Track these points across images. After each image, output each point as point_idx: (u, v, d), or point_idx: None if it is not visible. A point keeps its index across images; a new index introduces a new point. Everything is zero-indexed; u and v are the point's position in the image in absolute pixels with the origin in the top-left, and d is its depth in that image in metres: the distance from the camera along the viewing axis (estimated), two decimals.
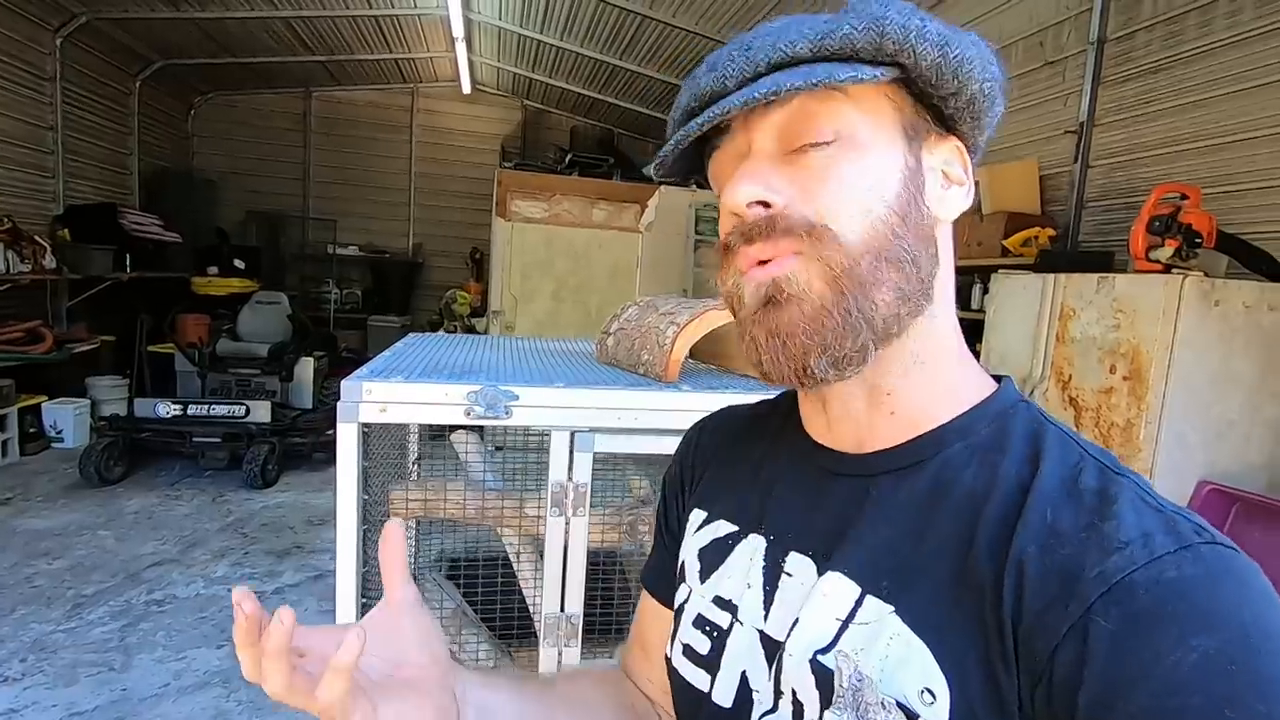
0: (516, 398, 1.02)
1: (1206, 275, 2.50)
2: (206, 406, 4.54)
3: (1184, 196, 2.61)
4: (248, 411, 4.57)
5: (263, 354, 5.16)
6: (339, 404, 0.99)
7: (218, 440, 4.51)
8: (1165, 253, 2.54)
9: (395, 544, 0.47)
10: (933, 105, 0.47)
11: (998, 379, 0.51)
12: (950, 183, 0.49)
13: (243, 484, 4.54)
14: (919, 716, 0.40)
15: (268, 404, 4.65)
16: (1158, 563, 0.36)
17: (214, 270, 6.54)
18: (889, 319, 0.45)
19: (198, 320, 5.81)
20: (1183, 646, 0.34)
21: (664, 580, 0.64)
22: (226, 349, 5.20)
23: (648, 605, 0.67)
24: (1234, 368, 2.52)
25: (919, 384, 0.48)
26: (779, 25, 0.46)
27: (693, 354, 1.30)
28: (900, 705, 0.40)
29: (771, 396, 0.64)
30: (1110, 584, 0.36)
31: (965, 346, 0.51)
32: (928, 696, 0.40)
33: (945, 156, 0.49)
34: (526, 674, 0.61)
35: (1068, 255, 3.44)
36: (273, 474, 4.62)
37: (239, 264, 6.66)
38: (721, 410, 0.67)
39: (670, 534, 0.65)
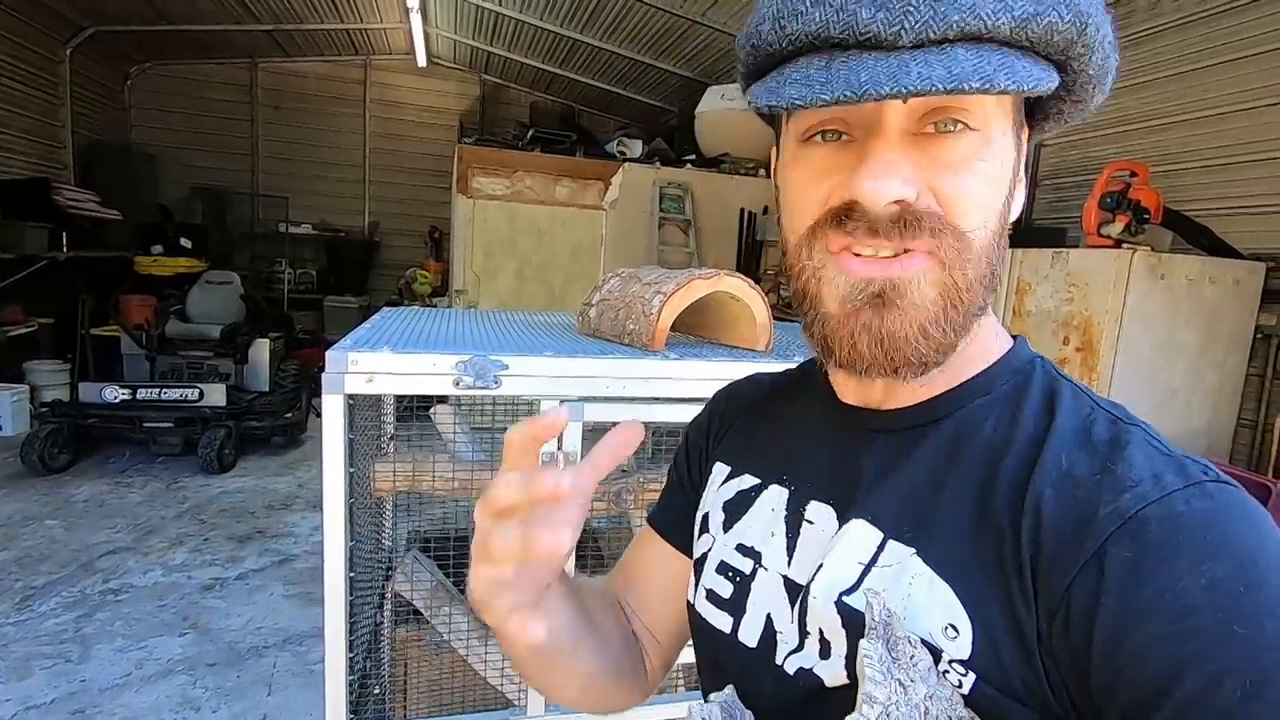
0: (506, 367, 1.02)
1: (1153, 250, 2.62)
2: (157, 390, 4.37)
3: (1133, 174, 2.72)
4: (201, 395, 4.42)
5: (215, 335, 4.98)
6: (323, 375, 0.97)
7: (170, 425, 4.36)
8: (1116, 228, 2.64)
9: (630, 439, 0.43)
10: (1029, 100, 0.44)
11: (1013, 336, 0.52)
12: (1020, 180, 0.47)
13: (198, 469, 4.40)
14: (943, 651, 0.42)
15: (222, 387, 4.50)
16: (1168, 498, 0.38)
17: (159, 249, 6.26)
18: (968, 329, 0.46)
19: (143, 301, 5.56)
20: (1194, 573, 0.36)
21: (673, 523, 0.66)
22: (176, 331, 5.00)
23: (646, 541, 0.68)
24: (1177, 338, 2.65)
25: (952, 362, 0.48)
26: None
27: (673, 326, 1.30)
28: (925, 642, 0.42)
29: (780, 369, 0.66)
30: (1124, 519, 0.38)
31: (996, 318, 0.51)
32: (951, 632, 0.42)
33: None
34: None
35: (1023, 231, 3.55)
36: (230, 458, 4.49)
37: (185, 243, 6.38)
38: (748, 376, 0.68)
39: (690, 482, 0.66)
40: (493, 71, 8.06)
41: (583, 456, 1.11)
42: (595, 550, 1.82)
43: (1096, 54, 0.41)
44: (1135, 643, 0.36)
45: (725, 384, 0.70)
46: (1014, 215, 0.47)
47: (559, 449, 1.08)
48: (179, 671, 2.48)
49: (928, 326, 0.43)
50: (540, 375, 1.05)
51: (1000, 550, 0.42)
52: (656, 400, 1.12)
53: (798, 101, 0.39)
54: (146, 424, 4.32)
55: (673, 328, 1.27)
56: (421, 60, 7.59)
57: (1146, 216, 2.67)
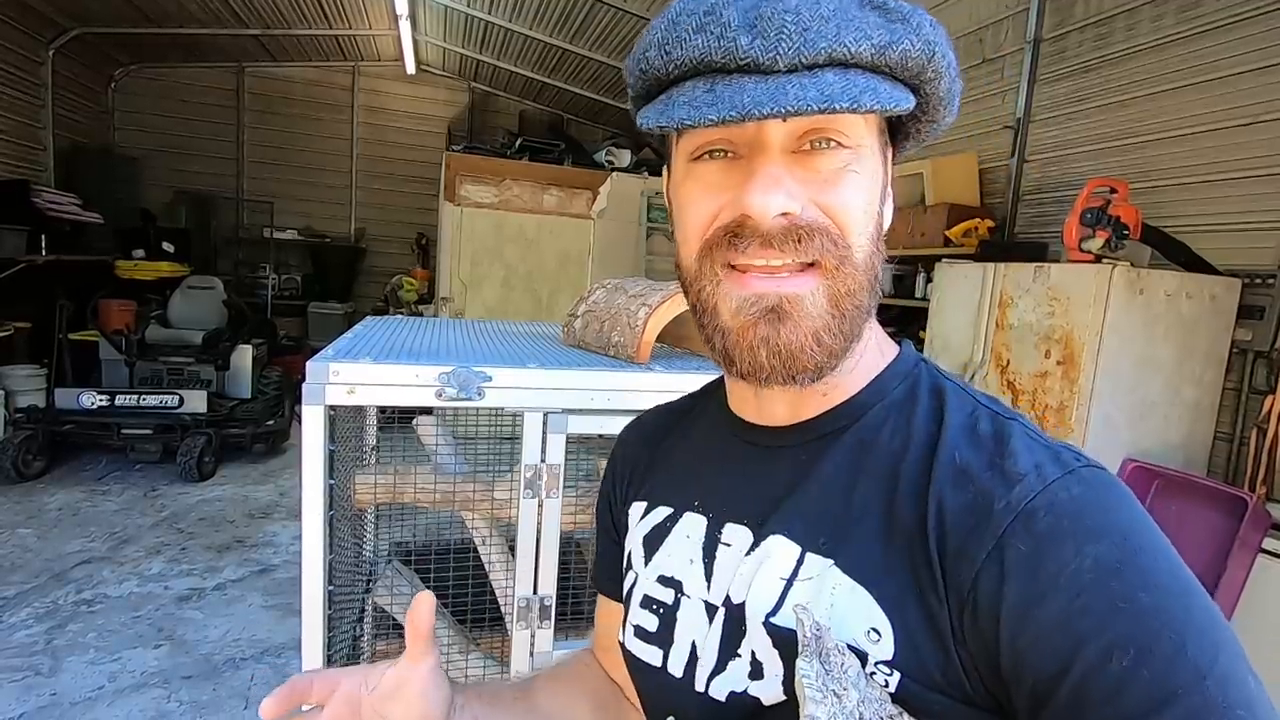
0: (490, 379, 1.01)
1: (1132, 265, 2.66)
2: (136, 397, 4.31)
3: (1113, 190, 2.76)
4: (181, 401, 4.36)
5: (196, 341, 4.92)
6: (304, 386, 0.96)
7: (149, 432, 4.29)
8: (1096, 243, 2.68)
9: (426, 611, 0.49)
10: (891, 121, 0.50)
11: (898, 341, 0.56)
12: (888, 195, 0.51)
13: (177, 477, 4.34)
14: (868, 655, 0.44)
15: (203, 393, 4.45)
16: (1050, 488, 0.42)
17: (140, 253, 6.17)
18: (857, 334, 0.48)
19: (123, 306, 5.47)
20: (1079, 555, 0.39)
21: (609, 578, 0.66)
22: (157, 336, 4.94)
23: (602, 605, 0.70)
24: (1155, 353, 2.69)
25: (849, 371, 0.52)
26: (827, 6, 0.42)
27: (658, 337, 1.30)
28: (850, 647, 0.44)
29: (691, 391, 0.68)
30: (1016, 512, 0.42)
31: (878, 325, 0.54)
32: (874, 635, 0.44)
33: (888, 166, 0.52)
34: (507, 684, 0.64)
35: (1006, 245, 3.59)
36: (209, 466, 4.43)
37: (168, 247, 6.31)
38: (640, 416, 0.70)
39: (615, 532, 0.67)
40: (482, 79, 8.07)
41: (565, 469, 1.11)
42: (580, 561, 1.80)
43: (944, 78, 0.46)
44: (1036, 625, 0.39)
45: (627, 424, 0.71)
46: (885, 225, 0.51)
47: (542, 460, 1.08)
48: (153, 684, 2.43)
49: (821, 334, 0.46)
50: (524, 387, 1.04)
51: (910, 550, 0.44)
52: (642, 412, 1.11)
53: (686, 122, 0.41)
54: (124, 431, 4.26)
55: (658, 340, 1.27)
56: (410, 67, 7.58)
57: (1126, 232, 2.71)
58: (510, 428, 1.16)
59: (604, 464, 1.46)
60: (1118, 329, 2.59)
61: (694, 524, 0.55)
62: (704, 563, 0.53)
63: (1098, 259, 2.67)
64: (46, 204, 5.55)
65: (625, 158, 6.28)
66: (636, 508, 0.62)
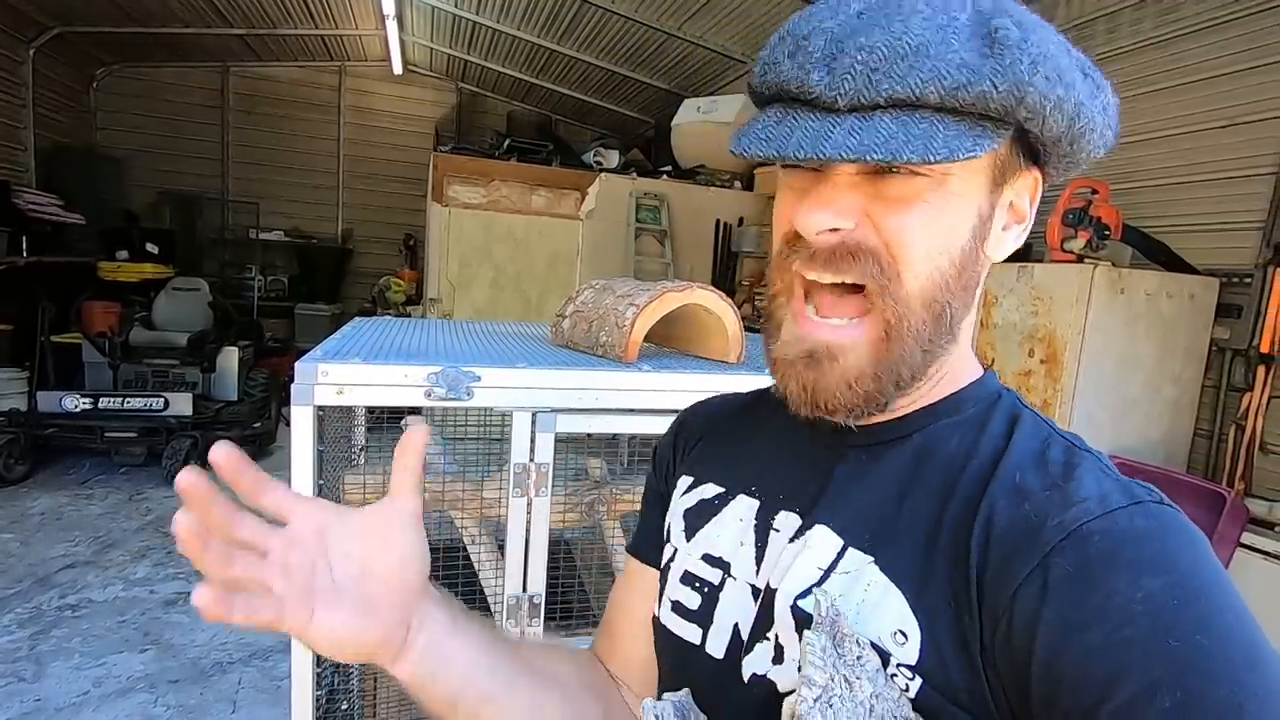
0: (478, 379, 1.02)
1: (1114, 265, 2.70)
2: (120, 399, 4.27)
3: (1094, 191, 2.80)
4: (166, 404, 4.33)
5: (182, 343, 4.88)
6: (293, 387, 0.96)
7: (133, 435, 4.25)
8: (1078, 244, 2.72)
9: (416, 449, 0.45)
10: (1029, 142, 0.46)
11: (983, 368, 0.55)
12: (1012, 220, 0.50)
13: (162, 480, 4.30)
14: (891, 655, 0.43)
15: (189, 396, 4.41)
16: (1111, 515, 0.40)
17: (124, 255, 6.10)
18: (915, 374, 0.48)
19: (107, 308, 5.41)
20: (1132, 586, 0.37)
21: (653, 548, 0.64)
22: (141, 338, 4.89)
23: (633, 575, 0.67)
24: (1137, 351, 2.73)
25: (922, 392, 0.51)
26: (915, 37, 0.41)
27: (646, 337, 1.31)
28: (874, 645, 0.44)
29: (750, 381, 0.68)
30: (1068, 532, 0.40)
31: (970, 350, 0.53)
32: (900, 637, 0.44)
33: (1019, 189, 0.49)
34: (500, 632, 0.59)
35: None
36: None
37: (152, 248, 6.24)
38: (720, 395, 0.70)
39: (662, 502, 0.66)
40: (469, 80, 8.05)
41: (554, 468, 1.12)
42: (569, 561, 1.81)
43: (1052, 118, 0.43)
44: (1074, 652, 0.37)
45: (695, 400, 0.70)
46: (998, 258, 0.50)
47: (531, 459, 1.08)
48: (139, 689, 2.42)
49: (853, 381, 0.47)
50: (513, 387, 1.05)
51: (952, 560, 0.44)
52: (629, 411, 1.12)
53: (743, 153, 0.45)
54: (108, 434, 4.22)
55: (646, 339, 1.28)
56: (397, 68, 7.55)
57: (1107, 233, 2.75)
58: (499, 427, 1.17)
59: (592, 462, 1.47)
60: (1099, 328, 2.63)
61: (746, 507, 0.56)
62: (755, 546, 0.54)
63: (1080, 259, 2.71)
64: (27, 205, 5.48)
65: (613, 158, 6.28)
66: (683, 481, 0.62)
